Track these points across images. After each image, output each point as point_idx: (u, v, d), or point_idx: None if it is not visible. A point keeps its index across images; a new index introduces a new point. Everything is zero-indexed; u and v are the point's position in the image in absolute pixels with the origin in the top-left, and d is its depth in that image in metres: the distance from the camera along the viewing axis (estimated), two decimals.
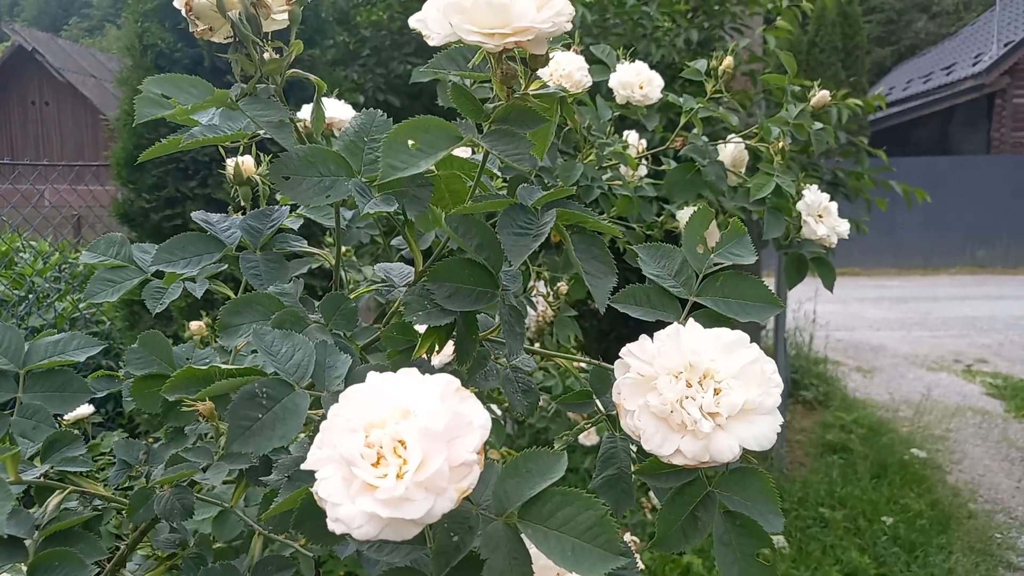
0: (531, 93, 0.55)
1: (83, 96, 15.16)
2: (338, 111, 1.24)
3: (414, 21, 0.52)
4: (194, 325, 1.52)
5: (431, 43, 0.51)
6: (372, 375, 0.47)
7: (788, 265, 1.29)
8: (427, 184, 0.63)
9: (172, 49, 3.13)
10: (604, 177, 1.39)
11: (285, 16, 0.65)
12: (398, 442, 0.43)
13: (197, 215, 0.73)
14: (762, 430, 0.53)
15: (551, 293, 1.58)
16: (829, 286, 1.30)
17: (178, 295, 0.80)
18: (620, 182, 1.39)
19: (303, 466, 0.44)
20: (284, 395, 0.50)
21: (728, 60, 1.34)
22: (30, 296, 3.68)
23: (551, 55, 0.53)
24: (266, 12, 0.62)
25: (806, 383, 5.54)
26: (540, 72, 1.21)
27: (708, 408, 0.53)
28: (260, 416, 0.49)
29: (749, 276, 0.63)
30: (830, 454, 4.34)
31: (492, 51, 0.50)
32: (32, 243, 4.21)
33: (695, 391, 0.54)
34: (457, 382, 0.46)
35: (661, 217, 1.47)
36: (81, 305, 3.81)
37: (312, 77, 0.67)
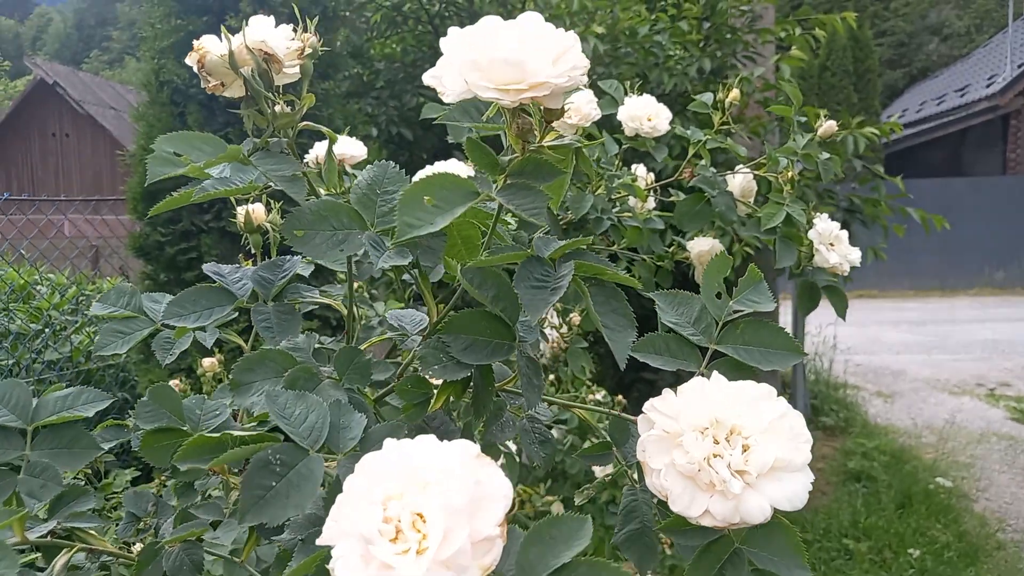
0: (546, 145, 0.54)
1: (103, 127, 15.43)
2: (349, 147, 1.24)
3: (428, 78, 0.51)
4: (207, 362, 1.52)
5: (445, 99, 0.50)
6: (388, 442, 0.45)
7: (801, 293, 1.28)
8: (440, 235, 0.62)
9: (188, 85, 3.17)
10: (614, 210, 1.38)
11: (297, 70, 0.64)
12: (417, 515, 0.41)
13: (208, 268, 0.72)
14: (793, 489, 0.51)
15: (563, 324, 1.56)
16: (841, 314, 1.29)
17: (188, 345, 0.80)
18: (630, 214, 1.38)
19: (318, 541, 0.43)
20: (298, 460, 0.49)
21: (735, 92, 1.33)
22: (46, 330, 3.70)
23: (566, 107, 0.52)
24: (278, 67, 0.61)
25: (826, 409, 5.46)
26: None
27: (736, 466, 0.51)
28: (274, 484, 0.48)
29: (769, 323, 0.61)
30: (853, 482, 4.26)
31: (508, 107, 0.50)
32: (50, 276, 4.25)
33: (723, 448, 0.52)
34: (477, 448, 0.45)
35: (672, 248, 1.46)
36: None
37: (324, 129, 0.66)
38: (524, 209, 0.50)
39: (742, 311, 0.63)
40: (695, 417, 0.53)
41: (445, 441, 0.45)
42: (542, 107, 0.52)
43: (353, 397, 0.60)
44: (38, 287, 4.31)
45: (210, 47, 0.60)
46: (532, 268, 0.55)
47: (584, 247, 0.58)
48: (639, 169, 1.54)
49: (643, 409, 0.54)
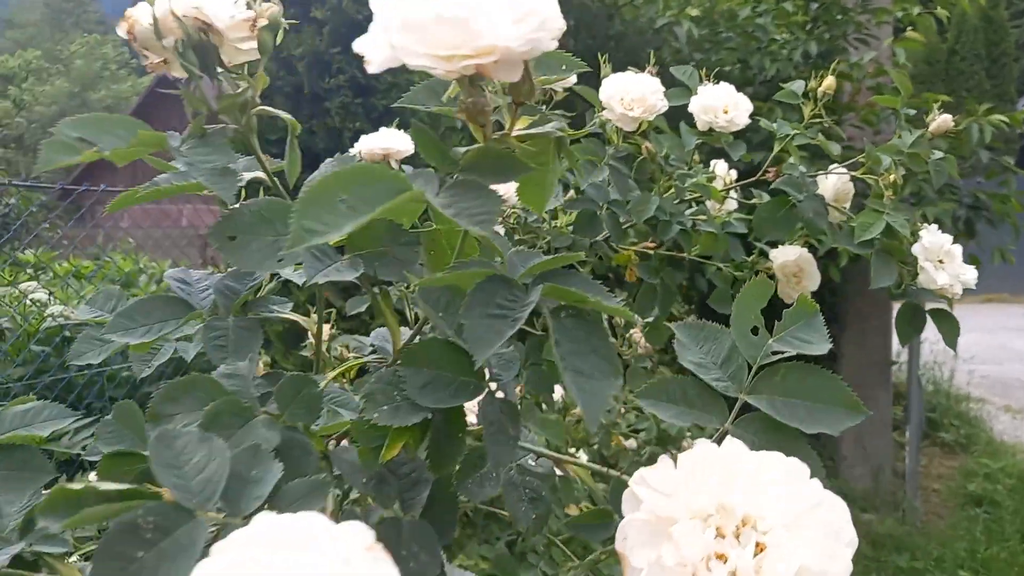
0: (515, 134, 0.42)
1: None
2: (394, 141, 1.14)
3: (359, 45, 0.40)
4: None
5: (369, 69, 0.39)
6: (261, 518, 0.35)
7: (901, 317, 1.07)
8: (413, 242, 0.51)
9: (274, 77, 3.20)
10: (687, 212, 1.22)
11: (253, 44, 0.55)
12: None
13: (170, 274, 0.64)
14: None
15: (622, 341, 1.39)
16: (951, 344, 1.07)
17: (167, 357, 0.73)
18: (705, 217, 1.22)
19: None
20: (177, 526, 0.39)
21: (829, 80, 1.14)
22: None
23: (537, 79, 0.39)
24: (219, 39, 0.51)
25: (945, 423, 5.03)
26: (606, 96, 1.07)
27: (744, 573, 0.37)
28: (141, 555, 0.38)
29: (821, 370, 0.46)
30: (973, 507, 3.87)
31: (446, 77, 0.38)
32: (152, 264, 4.42)
33: (729, 545, 0.38)
34: (370, 537, 0.34)
35: (752, 256, 1.28)
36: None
37: (284, 115, 0.56)
38: (469, 215, 0.38)
39: (786, 352, 0.48)
40: (695, 499, 0.39)
41: (332, 523, 0.34)
42: (505, 82, 0.40)
43: (294, 438, 0.50)
44: (142, 276, 4.49)
45: (141, 17, 0.51)
46: (494, 290, 0.42)
47: (571, 264, 0.45)
48: (718, 166, 1.37)
49: (630, 482, 0.41)
